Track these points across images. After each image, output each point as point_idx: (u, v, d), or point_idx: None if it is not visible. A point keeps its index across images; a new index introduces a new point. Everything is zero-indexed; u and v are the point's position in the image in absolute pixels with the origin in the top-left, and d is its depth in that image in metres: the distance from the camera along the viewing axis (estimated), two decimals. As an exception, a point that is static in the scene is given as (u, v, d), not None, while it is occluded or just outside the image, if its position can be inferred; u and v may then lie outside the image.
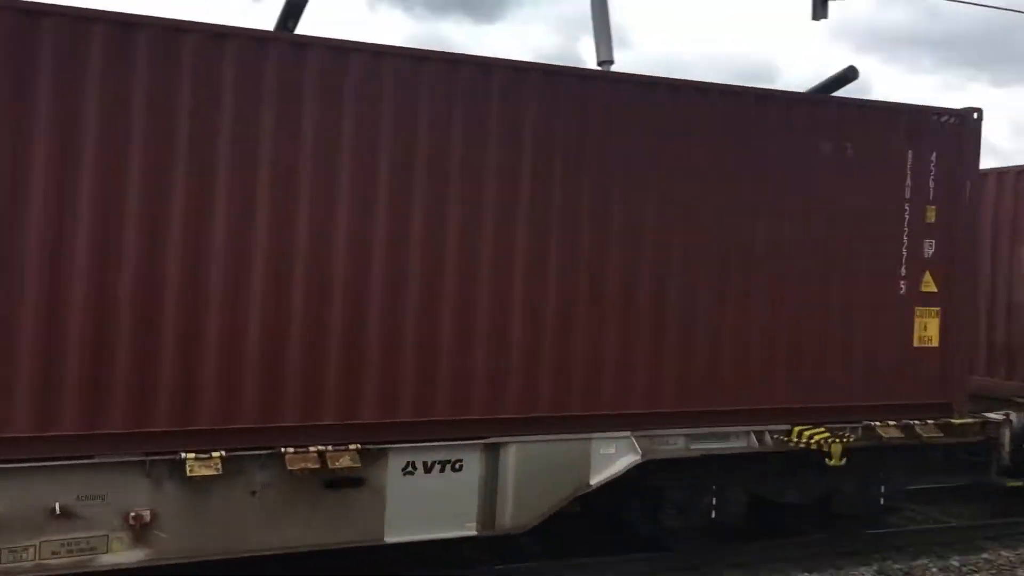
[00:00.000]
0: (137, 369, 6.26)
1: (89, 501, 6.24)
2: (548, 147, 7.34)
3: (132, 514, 6.29)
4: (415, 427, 6.98)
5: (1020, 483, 9.25)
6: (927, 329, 8.69)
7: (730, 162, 7.89)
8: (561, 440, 7.44)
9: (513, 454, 7.27)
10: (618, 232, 7.55)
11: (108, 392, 6.21)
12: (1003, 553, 8.94)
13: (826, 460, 8.00)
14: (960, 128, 8.86)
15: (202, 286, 6.40)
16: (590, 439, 7.55)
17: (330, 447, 6.66)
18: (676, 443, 7.79)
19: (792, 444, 8.06)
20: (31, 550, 6.14)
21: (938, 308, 8.73)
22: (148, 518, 6.34)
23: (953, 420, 8.76)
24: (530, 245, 7.27)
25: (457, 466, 7.15)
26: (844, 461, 8.01)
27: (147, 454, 6.33)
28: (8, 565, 6.09)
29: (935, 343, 8.69)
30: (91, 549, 6.27)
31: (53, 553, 6.17)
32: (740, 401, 7.97)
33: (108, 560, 6.30)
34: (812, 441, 8.01)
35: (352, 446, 6.72)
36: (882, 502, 8.86)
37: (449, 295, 7.03)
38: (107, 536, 6.30)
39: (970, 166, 8.94)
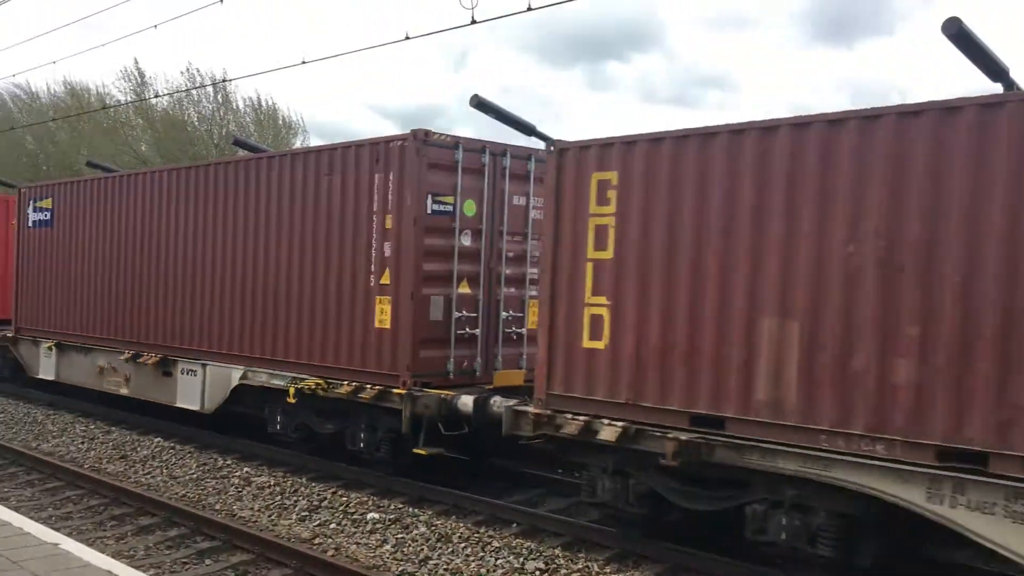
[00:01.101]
0: None
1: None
2: None
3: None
4: None
5: (425, 451, 10.65)
6: (384, 314, 10.85)
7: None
8: None
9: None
10: None
11: None
12: (353, 494, 10.77)
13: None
14: (405, 149, 10.60)
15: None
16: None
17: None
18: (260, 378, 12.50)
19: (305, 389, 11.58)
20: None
21: (390, 297, 10.81)
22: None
23: (394, 389, 10.67)
24: None
25: None
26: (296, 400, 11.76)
27: None
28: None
29: (388, 325, 10.78)
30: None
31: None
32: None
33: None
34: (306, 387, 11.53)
35: None
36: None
37: None
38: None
39: (412, 179, 10.56)
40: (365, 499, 10.57)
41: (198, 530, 9.62)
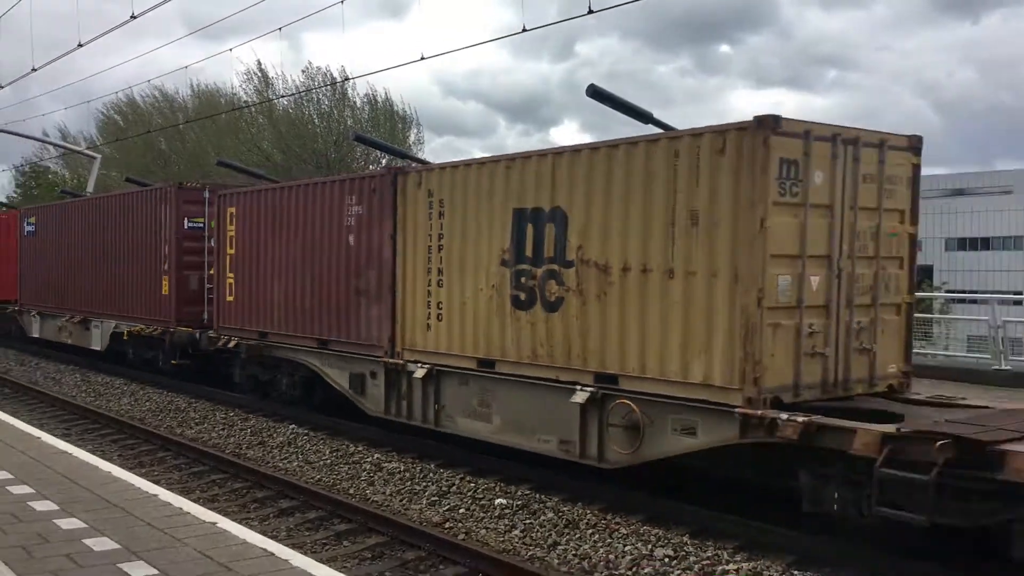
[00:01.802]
0: None
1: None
2: None
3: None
4: None
5: (178, 362, 18.68)
6: (166, 287, 18.69)
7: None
8: None
9: None
10: None
11: None
12: (481, 481, 11.62)
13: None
14: (171, 193, 18.80)
15: None
16: None
17: None
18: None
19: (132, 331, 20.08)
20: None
21: (167, 277, 18.65)
22: None
23: (170, 329, 18.49)
24: None
25: None
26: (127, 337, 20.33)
27: None
28: None
29: (167, 292, 18.70)
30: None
31: None
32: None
33: None
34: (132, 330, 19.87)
35: None
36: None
37: None
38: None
39: (175, 210, 18.53)
40: (492, 485, 10.83)
41: (335, 513, 10.06)
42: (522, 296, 10.98)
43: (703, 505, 9.52)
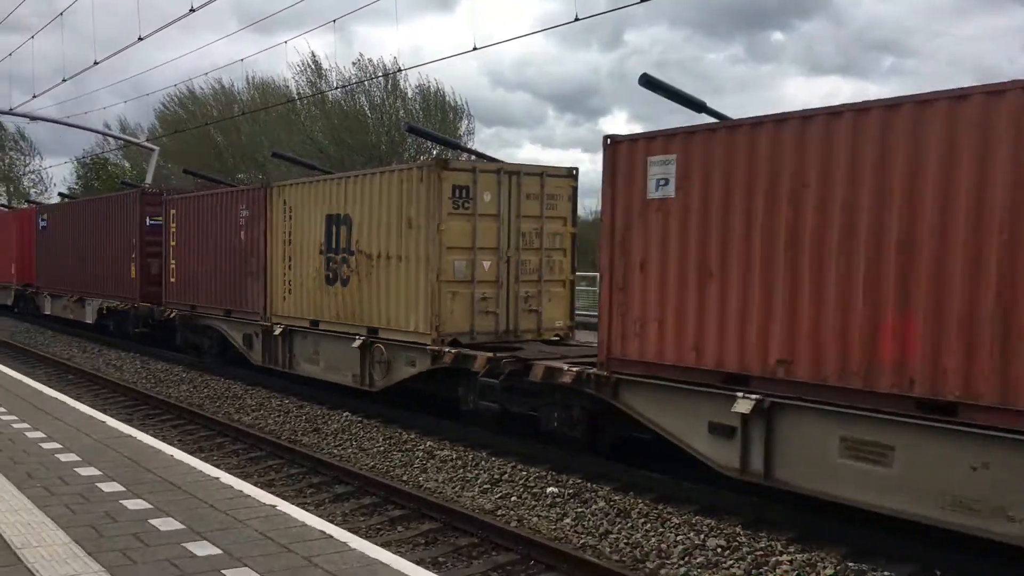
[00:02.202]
0: None
1: None
2: None
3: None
4: None
5: (139, 330, 23.35)
6: (133, 271, 23.32)
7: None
8: None
9: None
10: None
11: None
12: (532, 469, 11.90)
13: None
14: (136, 197, 23.84)
15: None
16: None
17: None
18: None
19: (108, 307, 25.04)
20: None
21: (135, 263, 23.29)
22: None
23: (134, 305, 23.35)
24: None
25: None
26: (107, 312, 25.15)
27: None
28: None
29: (134, 276, 23.19)
30: None
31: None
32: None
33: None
34: (107, 306, 25.13)
35: None
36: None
37: None
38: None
39: (137, 211, 23.44)
40: (543, 474, 10.91)
41: (388, 499, 10.22)
42: (330, 276, 15.66)
43: (758, 496, 9.49)
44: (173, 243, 21.40)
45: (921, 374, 7.61)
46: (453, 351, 12.97)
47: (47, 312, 30.40)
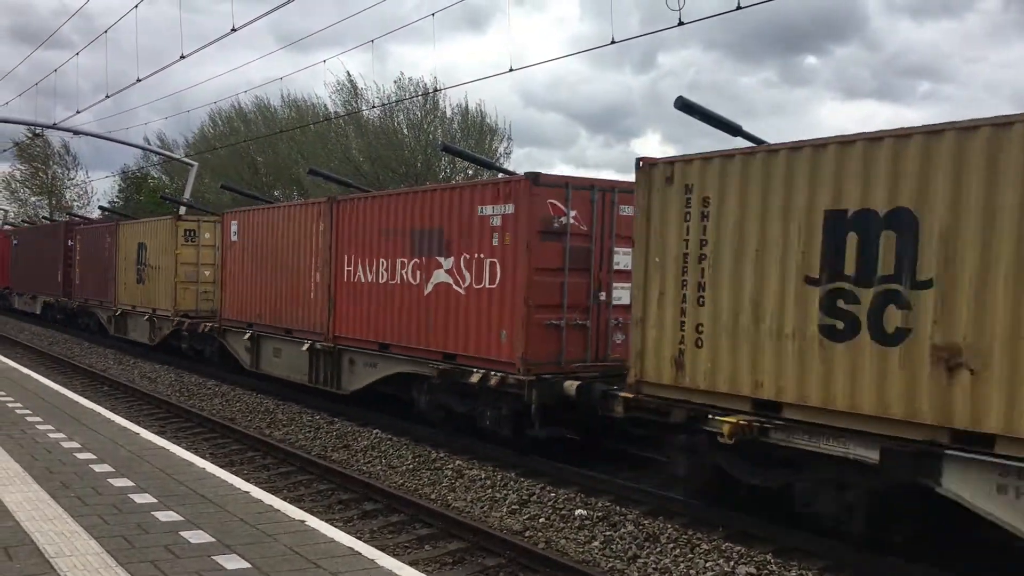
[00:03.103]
0: None
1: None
2: None
3: None
4: None
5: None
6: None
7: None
8: None
9: None
10: None
11: None
12: (561, 491, 11.26)
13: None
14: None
15: None
16: None
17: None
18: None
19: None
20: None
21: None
22: None
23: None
24: None
25: None
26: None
27: None
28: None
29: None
30: None
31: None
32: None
33: None
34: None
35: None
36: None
37: None
38: None
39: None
40: (572, 496, 10.86)
41: (416, 517, 10.22)
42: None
43: (788, 525, 9.37)
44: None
45: None
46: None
47: (16, 307, 39.67)
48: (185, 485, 8.24)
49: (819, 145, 8.67)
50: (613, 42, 15.00)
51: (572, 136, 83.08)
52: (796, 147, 8.90)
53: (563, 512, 10.31)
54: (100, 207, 44.43)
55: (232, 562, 6.05)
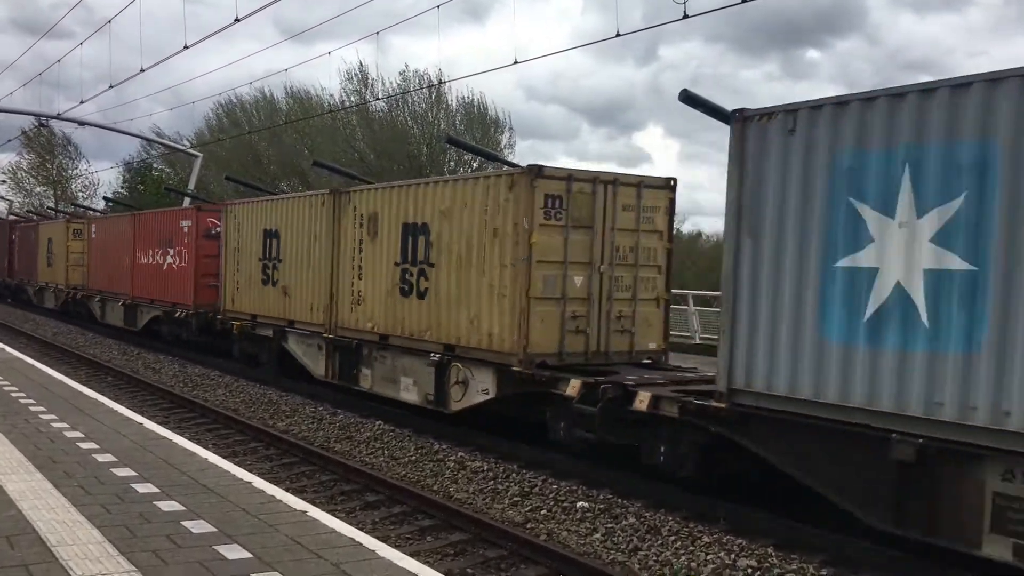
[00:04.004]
0: None
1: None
2: None
3: None
4: None
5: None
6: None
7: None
8: None
9: None
10: None
11: None
12: (563, 483, 10.64)
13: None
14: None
15: None
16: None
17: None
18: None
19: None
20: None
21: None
22: None
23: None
24: None
25: None
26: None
27: None
28: None
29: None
30: None
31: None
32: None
33: None
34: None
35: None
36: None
37: None
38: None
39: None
40: (574, 488, 10.87)
41: (418, 508, 10.24)
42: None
43: (789, 516, 9.37)
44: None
45: None
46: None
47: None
48: (187, 475, 8.26)
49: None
50: (618, 35, 14.99)
51: (574, 129, 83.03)
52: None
53: (565, 504, 10.32)
54: (105, 198, 44.53)
55: (233, 552, 6.06)
